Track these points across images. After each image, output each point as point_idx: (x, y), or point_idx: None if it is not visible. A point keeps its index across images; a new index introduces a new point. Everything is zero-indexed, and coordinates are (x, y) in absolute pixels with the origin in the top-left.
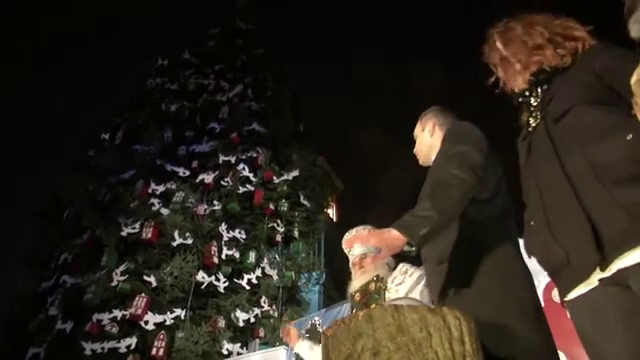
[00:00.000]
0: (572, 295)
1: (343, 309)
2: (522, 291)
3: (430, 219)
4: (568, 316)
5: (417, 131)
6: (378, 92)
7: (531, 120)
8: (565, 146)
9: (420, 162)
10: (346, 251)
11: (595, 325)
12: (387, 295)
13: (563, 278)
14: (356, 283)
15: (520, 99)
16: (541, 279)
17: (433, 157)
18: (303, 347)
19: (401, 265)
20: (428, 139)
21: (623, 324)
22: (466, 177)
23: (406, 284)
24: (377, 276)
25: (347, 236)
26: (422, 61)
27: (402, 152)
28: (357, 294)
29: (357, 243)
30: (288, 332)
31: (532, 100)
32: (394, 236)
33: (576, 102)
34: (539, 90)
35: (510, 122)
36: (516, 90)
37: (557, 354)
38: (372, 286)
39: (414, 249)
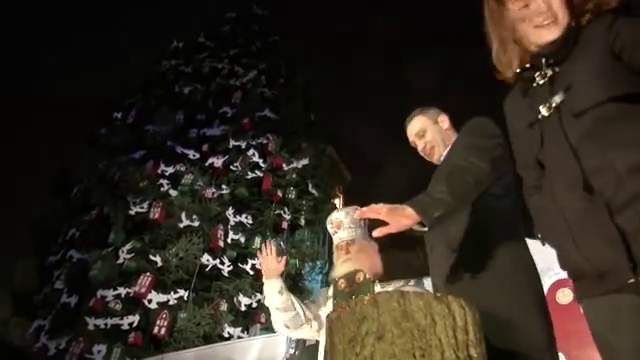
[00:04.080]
0: (592, 297)
1: None
2: (537, 284)
3: (445, 202)
4: (570, 319)
5: (425, 125)
6: (392, 84)
7: (542, 109)
8: (587, 149)
9: (435, 159)
10: (331, 231)
11: (613, 328)
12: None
13: (585, 283)
14: (341, 269)
15: (523, 74)
16: (546, 279)
17: (444, 152)
18: (273, 287)
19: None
20: (444, 132)
21: None
22: (483, 166)
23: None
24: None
25: (335, 215)
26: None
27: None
28: (341, 281)
29: (369, 214)
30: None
31: (538, 78)
32: (407, 214)
33: (600, 98)
34: (543, 63)
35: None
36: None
37: (557, 352)
38: (360, 277)
39: (425, 230)
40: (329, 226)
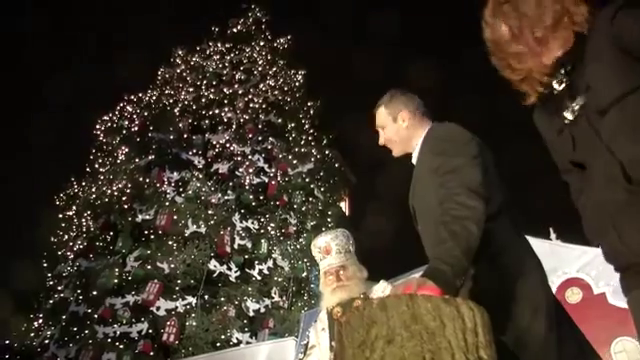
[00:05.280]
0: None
1: None
2: (532, 290)
3: (462, 266)
4: (580, 318)
5: (384, 121)
6: (396, 85)
7: (567, 114)
8: (620, 142)
9: (395, 154)
10: (318, 256)
11: None
12: None
13: (630, 275)
14: (333, 298)
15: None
16: (554, 279)
17: (415, 147)
18: None
19: (383, 285)
20: (403, 130)
21: None
22: (477, 205)
23: None
24: (364, 294)
25: (322, 240)
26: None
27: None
28: (337, 309)
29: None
30: None
31: (556, 85)
32: (431, 289)
33: (618, 93)
34: (562, 71)
35: (510, 114)
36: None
37: (584, 348)
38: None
39: None
40: (316, 251)
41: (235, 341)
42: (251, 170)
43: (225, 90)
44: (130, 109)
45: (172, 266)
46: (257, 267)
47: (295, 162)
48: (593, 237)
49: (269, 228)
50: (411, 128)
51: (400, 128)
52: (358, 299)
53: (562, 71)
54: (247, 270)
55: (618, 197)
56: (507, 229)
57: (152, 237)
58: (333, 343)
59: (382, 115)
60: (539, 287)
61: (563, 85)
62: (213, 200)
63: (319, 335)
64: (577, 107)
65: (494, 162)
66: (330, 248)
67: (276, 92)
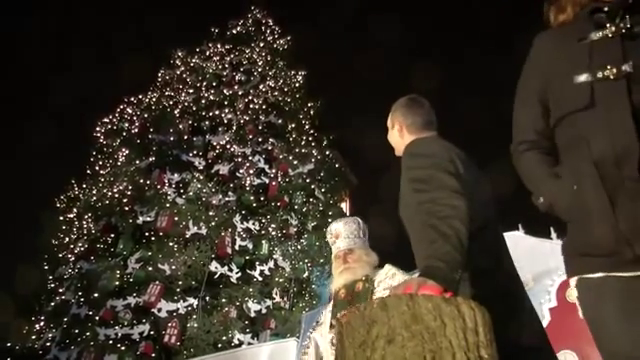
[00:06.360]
0: (601, 274)
1: None
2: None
3: (456, 259)
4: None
5: (389, 124)
6: (395, 86)
7: (610, 69)
8: None
9: (395, 153)
10: (330, 241)
11: (628, 313)
12: (374, 297)
13: (608, 261)
14: (340, 280)
15: (590, 13)
16: (555, 278)
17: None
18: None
19: (388, 267)
20: (398, 139)
21: None
22: (460, 203)
23: None
24: (367, 276)
25: (334, 226)
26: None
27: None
28: (342, 291)
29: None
30: None
31: (609, 29)
32: (431, 287)
33: None
34: (619, 16)
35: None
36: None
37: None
38: (359, 286)
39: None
40: (329, 236)
41: (236, 342)
42: (252, 171)
43: (225, 91)
44: (130, 111)
45: (173, 268)
46: (258, 268)
47: (296, 163)
48: (562, 208)
49: (270, 229)
50: (404, 138)
51: (395, 136)
52: (360, 281)
53: (619, 16)
54: (248, 271)
55: (628, 183)
56: (486, 249)
57: (153, 239)
58: (333, 321)
59: (389, 119)
60: (500, 295)
61: (617, 35)
62: (214, 201)
63: (326, 315)
64: (627, 69)
65: (480, 179)
66: (339, 233)
67: (276, 93)
